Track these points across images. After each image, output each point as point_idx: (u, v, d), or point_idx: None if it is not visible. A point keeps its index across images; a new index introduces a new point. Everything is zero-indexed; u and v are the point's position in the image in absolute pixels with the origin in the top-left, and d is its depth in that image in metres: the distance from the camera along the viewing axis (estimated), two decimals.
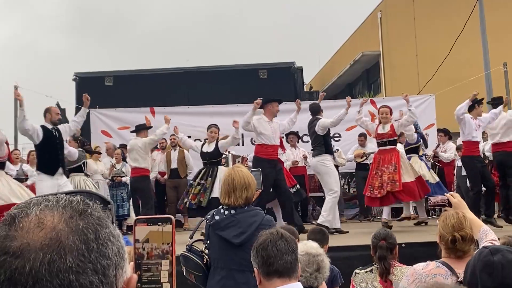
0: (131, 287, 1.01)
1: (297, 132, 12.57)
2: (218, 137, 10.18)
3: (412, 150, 11.51)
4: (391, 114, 10.25)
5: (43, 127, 8.83)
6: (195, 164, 12.09)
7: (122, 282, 1.00)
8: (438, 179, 11.30)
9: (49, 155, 8.88)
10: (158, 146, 12.75)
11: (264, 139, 9.77)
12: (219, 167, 10.06)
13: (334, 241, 7.44)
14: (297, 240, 4.66)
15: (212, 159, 10.09)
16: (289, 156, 12.26)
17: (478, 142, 10.14)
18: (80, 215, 0.98)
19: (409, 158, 10.81)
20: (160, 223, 1.16)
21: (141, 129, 10.93)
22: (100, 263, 0.95)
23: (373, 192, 9.67)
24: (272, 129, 9.86)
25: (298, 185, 10.96)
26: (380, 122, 10.11)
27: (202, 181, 9.82)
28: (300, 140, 13.14)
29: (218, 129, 10.35)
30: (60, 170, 8.95)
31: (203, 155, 10.22)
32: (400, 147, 10.81)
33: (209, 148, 10.14)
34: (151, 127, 11.14)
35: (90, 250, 0.95)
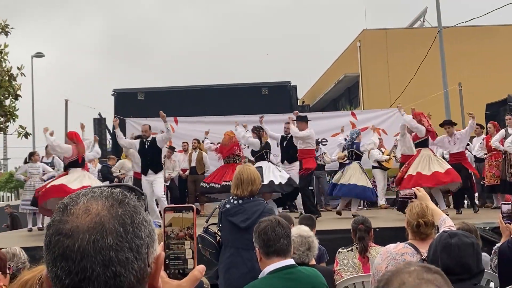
0: (159, 262, 1.01)
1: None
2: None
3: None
4: (421, 117, 9.51)
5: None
6: (212, 164, 12.09)
7: (153, 258, 1.00)
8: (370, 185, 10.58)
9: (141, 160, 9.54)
10: (182, 148, 12.78)
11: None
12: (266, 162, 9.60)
13: (322, 225, 7.44)
14: (292, 225, 4.68)
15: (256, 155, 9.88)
16: None
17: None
18: (119, 204, 0.98)
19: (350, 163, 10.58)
20: (184, 211, 1.16)
21: None
22: (135, 242, 0.95)
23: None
24: None
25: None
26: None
27: None
28: None
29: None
30: (150, 171, 9.44)
31: (252, 152, 10.02)
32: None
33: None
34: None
35: (126, 232, 0.95)
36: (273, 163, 9.92)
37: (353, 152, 10.72)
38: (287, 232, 3.07)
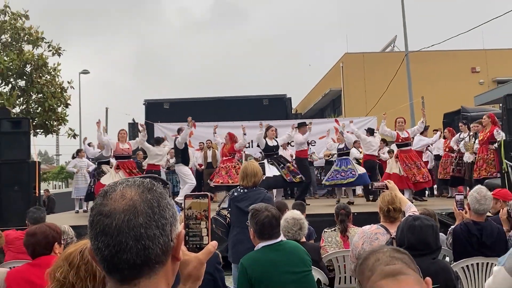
0: (180, 238, 1.01)
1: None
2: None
3: (346, 153, 10.46)
4: (404, 123, 9.22)
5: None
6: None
7: (175, 234, 1.00)
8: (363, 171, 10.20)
9: (186, 154, 9.72)
10: (198, 147, 12.77)
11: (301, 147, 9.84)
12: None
13: (311, 210, 7.43)
14: (286, 209, 4.68)
15: (277, 151, 9.36)
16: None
17: None
18: (149, 191, 0.98)
19: (343, 160, 10.30)
20: (200, 197, 1.16)
21: (160, 141, 10.77)
22: (161, 221, 0.95)
23: (410, 178, 8.59)
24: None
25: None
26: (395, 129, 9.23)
27: (285, 166, 9.03)
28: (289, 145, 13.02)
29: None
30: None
31: (270, 148, 9.22)
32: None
33: (273, 142, 9.29)
34: (164, 139, 11.20)
35: (154, 213, 0.95)
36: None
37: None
38: (279, 222, 3.15)
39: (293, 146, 12.15)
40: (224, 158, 10.62)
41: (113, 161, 9.96)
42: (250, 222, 3.13)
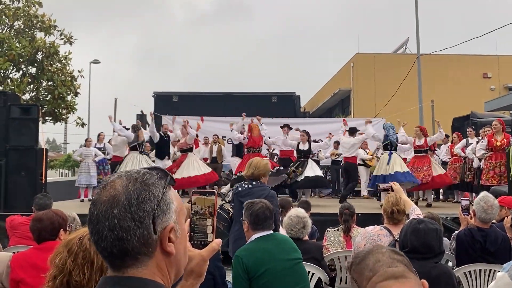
0: (166, 231, 0.98)
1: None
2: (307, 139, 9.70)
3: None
4: (421, 131, 9.47)
5: (160, 134, 10.28)
6: (228, 155, 12.07)
7: (162, 227, 0.97)
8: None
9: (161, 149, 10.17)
10: (203, 141, 12.76)
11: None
12: (310, 160, 9.66)
13: (315, 209, 7.40)
14: (291, 207, 4.67)
15: (306, 155, 9.66)
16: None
17: None
18: (133, 182, 0.97)
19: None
20: (207, 195, 1.16)
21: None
22: (137, 214, 0.94)
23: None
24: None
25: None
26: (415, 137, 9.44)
27: (296, 170, 9.38)
28: None
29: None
30: (166, 157, 10.28)
31: (299, 151, 9.69)
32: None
33: (304, 147, 9.67)
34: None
35: (130, 205, 0.94)
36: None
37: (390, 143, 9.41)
38: (272, 215, 3.22)
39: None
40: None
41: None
42: (245, 214, 3.22)
